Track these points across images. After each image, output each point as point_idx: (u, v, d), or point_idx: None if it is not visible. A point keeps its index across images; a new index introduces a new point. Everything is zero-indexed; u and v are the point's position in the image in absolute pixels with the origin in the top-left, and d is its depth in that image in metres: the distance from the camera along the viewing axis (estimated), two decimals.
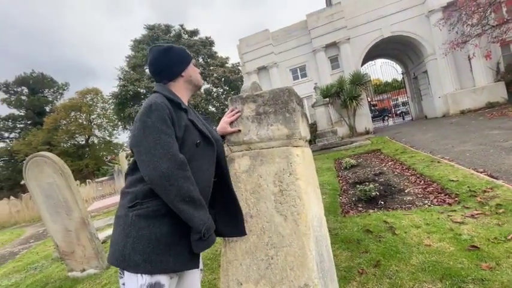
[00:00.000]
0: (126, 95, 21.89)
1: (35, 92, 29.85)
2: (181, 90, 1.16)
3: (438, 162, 4.35)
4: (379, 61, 18.15)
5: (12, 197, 15.40)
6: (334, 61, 14.66)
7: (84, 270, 3.26)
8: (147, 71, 22.72)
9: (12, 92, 29.21)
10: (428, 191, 3.37)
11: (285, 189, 1.28)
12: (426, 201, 3.06)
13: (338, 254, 2.20)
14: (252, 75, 15.53)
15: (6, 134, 28.69)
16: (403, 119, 20.73)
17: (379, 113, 24.09)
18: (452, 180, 3.32)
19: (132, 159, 1.06)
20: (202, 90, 25.36)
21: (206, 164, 1.10)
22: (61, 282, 3.19)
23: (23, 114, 29.15)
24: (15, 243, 6.95)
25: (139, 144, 0.94)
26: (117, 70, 28.92)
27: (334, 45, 14.17)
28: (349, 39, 13.84)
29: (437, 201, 2.97)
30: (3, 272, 4.30)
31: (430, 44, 12.83)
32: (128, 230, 0.94)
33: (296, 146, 1.34)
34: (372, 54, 15.57)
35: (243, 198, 1.36)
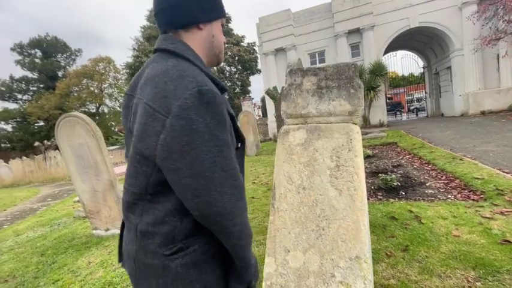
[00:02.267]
0: (140, 66, 21.74)
1: (48, 56, 29.83)
2: (199, 53, 0.72)
3: (460, 159, 4.30)
4: (400, 53, 17.50)
5: (24, 158, 15.89)
6: (355, 48, 14.19)
7: (108, 229, 3.41)
8: None
9: (26, 53, 29.24)
10: (451, 186, 3.37)
11: (343, 164, 1.30)
12: (449, 196, 3.07)
13: None
14: (269, 57, 15.19)
15: (19, 96, 29.10)
16: (417, 115, 20.32)
17: (392, 107, 23.63)
18: (477, 178, 3.30)
19: (141, 170, 0.65)
20: (215, 68, 25.03)
21: (243, 174, 0.80)
22: (87, 238, 3.36)
23: (36, 77, 29.34)
24: (33, 201, 7.26)
25: (179, 160, 0.57)
26: (132, 40, 28.55)
27: (357, 31, 13.65)
28: (373, 26, 13.29)
29: (461, 197, 2.97)
30: (27, 225, 4.52)
31: (459, 39, 12.26)
32: (174, 286, 0.65)
33: (355, 124, 1.34)
34: (394, 45, 14.98)
35: (297, 170, 1.38)
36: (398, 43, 15.05)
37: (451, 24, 12.33)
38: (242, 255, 0.67)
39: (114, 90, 30.76)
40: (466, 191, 3.13)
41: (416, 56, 17.59)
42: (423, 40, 14.92)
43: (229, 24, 25.95)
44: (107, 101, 31.01)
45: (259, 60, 22.08)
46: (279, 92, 11.86)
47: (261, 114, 23.02)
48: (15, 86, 28.62)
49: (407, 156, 5.45)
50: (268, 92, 12.35)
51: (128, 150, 0.70)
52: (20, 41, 29.14)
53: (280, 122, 12.17)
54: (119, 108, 31.60)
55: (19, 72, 28.62)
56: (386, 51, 14.77)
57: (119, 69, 28.35)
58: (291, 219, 1.38)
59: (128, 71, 23.01)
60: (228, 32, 25.55)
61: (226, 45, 24.62)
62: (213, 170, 0.58)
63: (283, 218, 1.40)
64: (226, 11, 0.78)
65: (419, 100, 24.25)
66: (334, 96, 1.34)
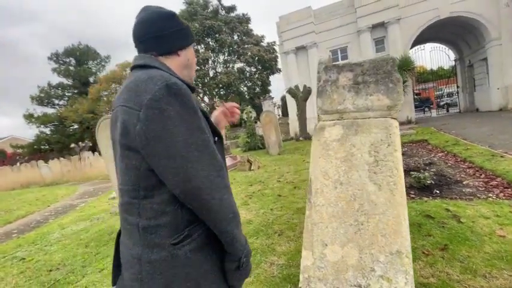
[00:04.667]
0: None
1: (81, 63, 31.89)
2: (175, 71, 0.83)
3: (501, 157, 4.03)
4: (429, 46, 16.58)
5: (61, 158, 17.16)
6: (380, 43, 13.70)
7: None
8: None
9: (62, 62, 31.45)
10: (491, 185, 3.17)
11: (382, 159, 1.30)
12: (490, 195, 2.89)
13: None
14: (290, 55, 15.11)
15: (56, 101, 31.39)
16: (447, 110, 19.14)
17: (420, 103, 22.47)
18: None
19: (128, 164, 0.70)
20: (235, 68, 25.31)
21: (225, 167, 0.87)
22: None
23: (70, 83, 31.47)
24: (72, 198, 7.84)
25: (156, 145, 0.63)
26: None
27: (381, 25, 13.16)
28: (399, 19, 12.74)
29: (504, 196, 2.79)
30: (70, 219, 4.91)
31: (496, 28, 11.40)
32: (185, 273, 0.69)
33: (394, 118, 1.33)
34: (422, 38, 14.24)
35: (333, 166, 1.40)
36: (426, 35, 14.28)
37: (486, 13, 11.50)
38: (224, 229, 0.69)
39: None
40: (509, 189, 2.94)
41: (447, 48, 16.57)
42: (455, 31, 14.04)
43: (249, 25, 26.11)
44: None
45: (279, 60, 22.01)
46: (301, 90, 11.76)
47: (280, 113, 22.94)
48: (52, 92, 30.92)
49: (440, 154, 5.18)
50: (290, 91, 12.30)
51: (115, 161, 0.78)
52: (56, 50, 31.47)
53: (302, 120, 12.06)
54: None
55: (56, 79, 30.93)
56: (413, 45, 14.10)
57: None
58: (328, 214, 1.40)
59: None
60: (247, 33, 25.75)
61: (247, 45, 24.88)
62: (188, 150, 0.64)
63: (320, 213, 1.42)
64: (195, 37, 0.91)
65: (449, 95, 22.82)
66: (372, 91, 1.34)
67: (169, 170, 0.64)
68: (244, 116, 12.24)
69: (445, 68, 21.02)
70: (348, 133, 1.38)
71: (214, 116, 1.05)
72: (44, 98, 30.40)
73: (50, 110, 30.64)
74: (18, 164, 20.17)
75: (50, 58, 30.98)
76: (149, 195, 0.69)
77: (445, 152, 5.20)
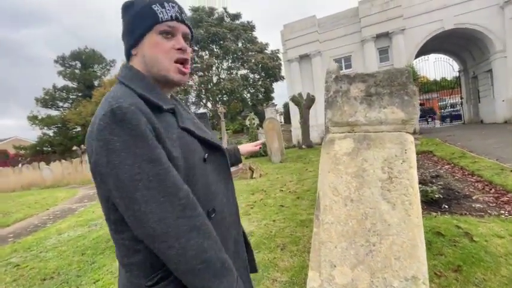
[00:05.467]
0: None
1: (86, 67, 32.25)
2: (142, 70, 0.69)
3: (511, 171, 3.92)
4: (433, 56, 16.61)
5: (63, 160, 17.15)
6: (384, 53, 13.72)
7: None
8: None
9: (68, 65, 31.84)
10: (502, 201, 3.06)
11: (396, 176, 1.22)
12: (502, 211, 2.78)
13: None
14: (293, 63, 15.17)
15: (60, 104, 31.63)
16: (451, 121, 19.03)
17: (424, 113, 22.40)
18: None
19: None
20: (239, 74, 25.45)
21: (223, 184, 0.75)
22: None
23: (75, 86, 31.76)
24: (72, 201, 7.76)
25: (107, 181, 0.56)
26: None
27: (385, 35, 13.21)
28: (403, 30, 12.80)
29: None
30: (68, 224, 4.82)
31: (501, 40, 11.39)
32: None
33: (409, 133, 1.26)
34: (426, 48, 14.26)
35: (343, 181, 1.32)
36: (431, 46, 14.31)
37: (491, 25, 11.51)
38: (191, 283, 0.57)
39: None
40: None
41: (451, 59, 16.59)
42: (459, 42, 14.06)
43: (253, 33, 26.38)
44: None
45: (282, 67, 22.11)
46: (304, 98, 11.74)
47: (283, 120, 22.92)
48: (57, 95, 31.20)
49: (447, 166, 5.07)
50: (293, 99, 12.30)
51: None
52: (62, 53, 31.84)
53: (305, 128, 12.01)
54: None
55: (61, 82, 31.12)
56: (417, 55, 14.12)
57: None
58: (337, 233, 1.32)
59: None
60: (252, 40, 25.99)
61: (251, 52, 25.03)
62: (135, 189, 0.54)
63: (328, 231, 1.34)
64: (161, 15, 0.65)
65: (453, 106, 22.74)
66: (386, 104, 1.27)
67: (122, 211, 0.57)
68: (247, 123, 12.21)
69: (448, 79, 21.00)
70: (360, 147, 1.31)
71: (246, 150, 1.09)
72: (48, 100, 30.65)
73: (54, 112, 30.86)
74: (20, 165, 20.20)
75: (56, 61, 31.38)
76: (119, 230, 0.62)
77: (452, 165, 5.09)
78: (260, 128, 13.77)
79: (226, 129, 15.00)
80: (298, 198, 4.23)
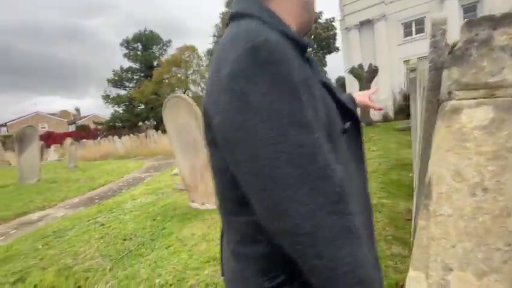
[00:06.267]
0: None
1: (146, 48, 34.77)
2: (286, 16, 0.51)
3: None
4: None
5: (131, 135, 19.31)
6: (470, 10, 11.28)
7: (203, 204, 3.67)
8: None
9: (131, 48, 34.76)
10: None
11: None
12: None
13: None
14: (352, 31, 13.67)
15: (127, 84, 35.23)
16: None
17: None
18: None
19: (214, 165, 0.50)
20: None
21: (355, 168, 0.55)
22: (186, 209, 3.69)
23: (138, 67, 34.78)
24: (140, 171, 8.70)
25: (235, 150, 0.41)
26: (212, 28, 30.33)
27: None
28: None
29: None
30: (139, 191, 5.37)
31: None
32: None
33: None
34: None
35: (472, 163, 0.99)
36: None
37: None
38: None
39: (197, 76, 33.77)
40: None
41: None
42: None
43: None
44: (191, 86, 34.41)
45: (338, 37, 20.26)
46: (365, 70, 10.56)
47: None
48: (123, 76, 34.72)
49: None
50: (352, 71, 11.23)
51: None
52: (126, 36, 34.82)
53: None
54: (201, 93, 34.74)
55: (126, 64, 34.51)
56: None
57: (201, 56, 30.77)
58: (457, 229, 1.02)
59: (209, 57, 24.69)
60: None
61: None
62: (275, 165, 0.37)
63: (443, 226, 1.05)
64: None
65: None
66: None
67: (252, 192, 0.41)
68: None
69: None
70: (504, 118, 0.95)
71: (363, 102, 0.84)
72: (117, 81, 34.34)
73: (122, 92, 34.58)
74: (98, 138, 23.56)
75: (121, 44, 34.48)
76: (236, 211, 0.48)
77: None
78: None
79: None
80: None
